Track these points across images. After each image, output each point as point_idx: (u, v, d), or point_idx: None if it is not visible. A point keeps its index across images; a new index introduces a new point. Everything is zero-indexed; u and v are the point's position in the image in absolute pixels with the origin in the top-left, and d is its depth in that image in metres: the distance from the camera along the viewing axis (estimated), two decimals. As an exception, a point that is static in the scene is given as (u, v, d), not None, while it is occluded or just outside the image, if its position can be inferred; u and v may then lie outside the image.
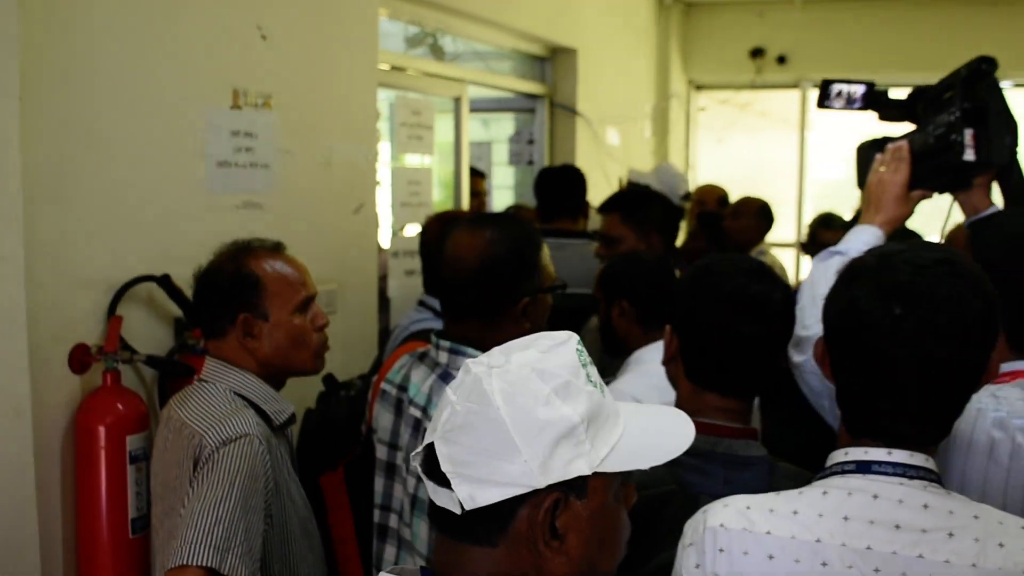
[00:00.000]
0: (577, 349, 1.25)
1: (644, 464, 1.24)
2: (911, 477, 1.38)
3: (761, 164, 8.31)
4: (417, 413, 2.20)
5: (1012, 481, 1.79)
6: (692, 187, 6.56)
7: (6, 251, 2.34)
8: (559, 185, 4.57)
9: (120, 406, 2.60)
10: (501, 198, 6.70)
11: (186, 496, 1.92)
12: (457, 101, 5.20)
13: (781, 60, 8.11)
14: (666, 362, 1.92)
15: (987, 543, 1.32)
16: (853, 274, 1.48)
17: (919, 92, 2.32)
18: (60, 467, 2.58)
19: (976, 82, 2.13)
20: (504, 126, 6.67)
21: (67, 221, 2.59)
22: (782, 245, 7.50)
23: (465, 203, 5.20)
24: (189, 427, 2.02)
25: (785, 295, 1.88)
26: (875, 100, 2.36)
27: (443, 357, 2.20)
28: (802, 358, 2.02)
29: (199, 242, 2.91)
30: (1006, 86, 2.08)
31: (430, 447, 1.19)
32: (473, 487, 1.17)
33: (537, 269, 2.20)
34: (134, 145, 2.79)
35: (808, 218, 7.08)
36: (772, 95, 8.34)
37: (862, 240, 2.17)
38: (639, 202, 3.78)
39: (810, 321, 2.01)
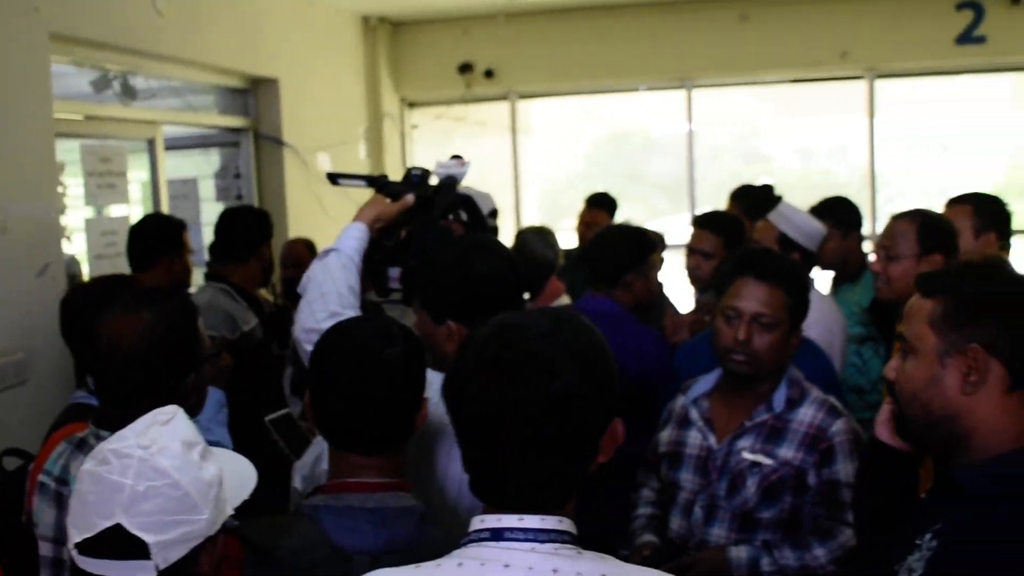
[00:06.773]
0: (186, 416, 1.57)
1: (243, 498, 1.62)
2: (542, 541, 1.38)
3: (482, 175, 8.48)
4: None
5: None
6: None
7: None
8: (228, 228, 4.39)
9: None
10: (210, 236, 6.41)
11: None
12: (151, 143, 5.05)
13: (489, 74, 8.34)
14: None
15: None
16: (464, 346, 1.46)
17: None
18: None
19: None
20: (213, 160, 6.51)
21: None
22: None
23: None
24: None
25: (407, 352, 1.87)
26: (374, 182, 2.67)
27: None
28: (311, 347, 2.10)
29: None
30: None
31: (112, 529, 1.42)
32: (165, 550, 1.43)
33: (197, 340, 2.19)
34: None
35: (528, 222, 7.37)
36: (486, 108, 8.56)
37: (350, 235, 2.47)
38: None
39: (319, 316, 2.28)
